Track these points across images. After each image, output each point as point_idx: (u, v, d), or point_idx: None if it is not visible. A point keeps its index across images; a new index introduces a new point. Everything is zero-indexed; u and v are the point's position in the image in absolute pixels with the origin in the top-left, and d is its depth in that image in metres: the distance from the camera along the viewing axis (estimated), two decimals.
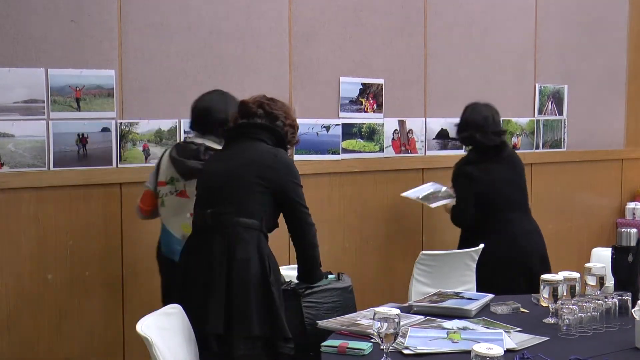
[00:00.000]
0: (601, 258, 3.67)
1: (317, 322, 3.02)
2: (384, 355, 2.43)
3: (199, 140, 3.44)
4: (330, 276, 3.41)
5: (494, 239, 4.21)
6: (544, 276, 2.98)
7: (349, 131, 4.60)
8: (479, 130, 4.25)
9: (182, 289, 3.15)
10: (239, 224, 3.05)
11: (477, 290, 4.05)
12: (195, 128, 3.53)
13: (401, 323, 2.47)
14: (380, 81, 4.71)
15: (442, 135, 5.00)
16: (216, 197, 3.14)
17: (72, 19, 3.67)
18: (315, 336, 2.93)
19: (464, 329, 2.84)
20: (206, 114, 3.47)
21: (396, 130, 4.79)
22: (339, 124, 4.55)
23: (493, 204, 4.22)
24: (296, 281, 3.29)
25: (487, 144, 4.26)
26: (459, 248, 4.23)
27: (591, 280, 3.13)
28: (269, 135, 3.20)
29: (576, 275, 3.06)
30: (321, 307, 3.24)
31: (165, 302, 3.13)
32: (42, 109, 3.61)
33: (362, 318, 2.97)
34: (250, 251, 3.03)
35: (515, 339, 2.71)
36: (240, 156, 3.17)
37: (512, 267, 4.15)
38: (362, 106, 4.64)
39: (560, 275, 3.00)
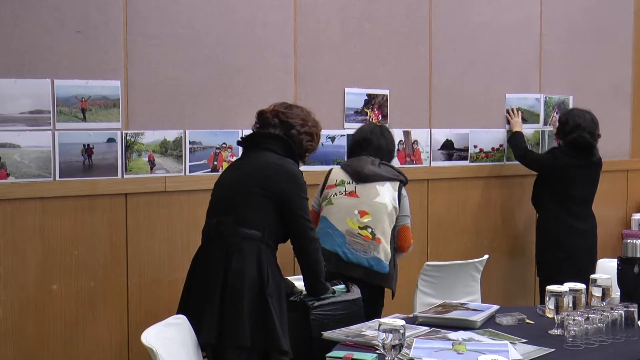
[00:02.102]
0: (607, 269, 3.67)
1: (322, 332, 3.00)
2: None
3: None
4: (338, 287, 3.36)
5: (542, 230, 4.90)
6: (549, 287, 2.98)
7: None
8: (588, 131, 4.67)
9: (186, 299, 3.15)
10: (238, 234, 3.03)
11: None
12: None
13: (406, 334, 2.47)
14: (385, 92, 4.71)
15: (447, 146, 4.99)
16: (221, 207, 3.14)
17: (78, 29, 3.68)
18: (322, 348, 2.92)
19: (470, 340, 2.83)
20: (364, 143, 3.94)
21: (401, 141, 4.79)
22: (344, 135, 4.55)
23: (554, 196, 4.78)
24: (305, 292, 3.27)
25: (594, 145, 4.73)
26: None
27: (597, 292, 3.13)
28: (279, 145, 3.18)
29: (582, 286, 3.05)
30: (330, 320, 3.19)
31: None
32: (47, 120, 3.62)
33: (367, 329, 2.97)
34: (247, 261, 3.00)
35: (521, 350, 2.70)
36: (247, 166, 3.16)
37: (553, 256, 4.76)
38: (367, 117, 4.64)
39: (566, 287, 2.99)
